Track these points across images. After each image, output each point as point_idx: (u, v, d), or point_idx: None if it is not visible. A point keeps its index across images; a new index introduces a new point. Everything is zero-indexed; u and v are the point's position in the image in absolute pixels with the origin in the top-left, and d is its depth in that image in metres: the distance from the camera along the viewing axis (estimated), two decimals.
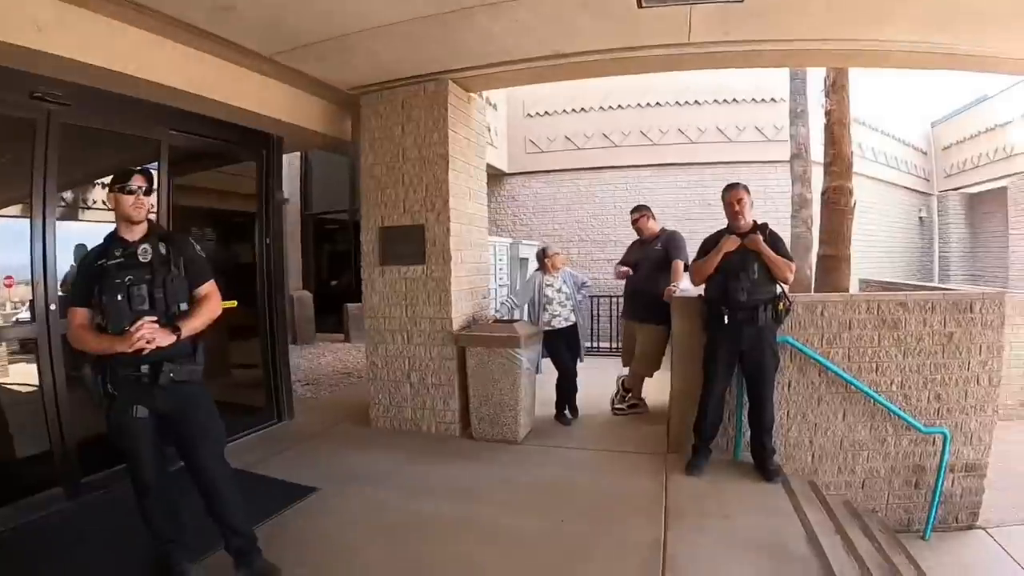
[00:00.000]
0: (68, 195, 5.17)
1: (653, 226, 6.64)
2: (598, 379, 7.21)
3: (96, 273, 3.12)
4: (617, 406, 6.76)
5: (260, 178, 6.69)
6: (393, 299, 6.27)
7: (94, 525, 4.33)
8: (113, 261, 3.12)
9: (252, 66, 5.49)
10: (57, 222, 4.73)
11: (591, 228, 12.77)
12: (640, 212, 6.71)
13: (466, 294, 6.30)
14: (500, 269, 9.22)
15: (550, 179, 13.01)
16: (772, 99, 11.83)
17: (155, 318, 3.11)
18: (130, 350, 3.00)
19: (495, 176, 12.65)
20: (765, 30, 4.84)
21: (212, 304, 3.43)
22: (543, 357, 6.45)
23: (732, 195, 4.84)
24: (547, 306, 6.40)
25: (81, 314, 3.15)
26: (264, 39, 5.01)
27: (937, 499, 4.88)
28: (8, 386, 4.89)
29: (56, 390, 4.63)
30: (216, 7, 4.32)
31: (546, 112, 12.86)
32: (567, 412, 6.53)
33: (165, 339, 3.09)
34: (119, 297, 3.07)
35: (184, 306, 3.31)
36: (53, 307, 4.61)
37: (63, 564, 3.75)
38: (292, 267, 13.83)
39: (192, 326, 3.26)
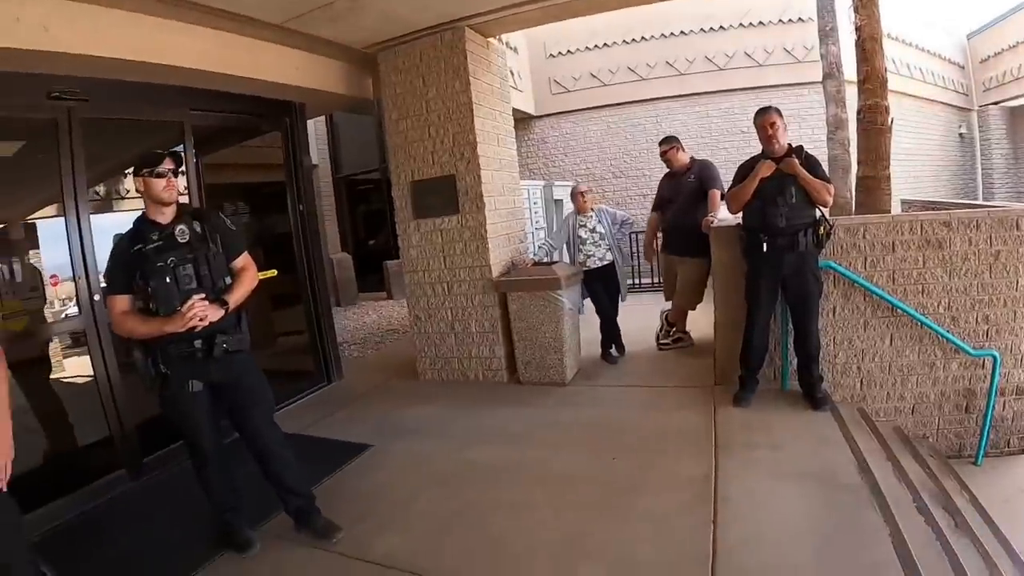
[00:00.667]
0: (100, 188, 5.25)
1: (683, 158, 6.50)
2: (643, 315, 7.21)
3: (135, 259, 3.14)
4: (662, 341, 6.74)
5: (286, 146, 6.70)
6: (430, 251, 6.30)
7: (158, 502, 4.49)
8: (151, 245, 3.14)
9: (266, 36, 5.48)
10: (92, 216, 4.80)
11: (623, 164, 12.59)
12: (669, 144, 6.55)
13: (503, 240, 6.29)
14: (535, 212, 9.18)
15: (578, 118, 12.83)
16: (800, 19, 11.45)
17: (203, 295, 3.17)
18: (183, 329, 3.06)
19: (522, 120, 12.57)
20: None
21: (251, 274, 3.50)
22: (584, 297, 6.43)
23: (764, 119, 4.71)
24: (581, 247, 6.38)
25: (122, 301, 3.19)
26: (274, 7, 4.99)
27: (988, 423, 4.79)
28: (65, 379, 5.02)
29: (110, 377, 4.76)
30: None
31: (568, 51, 12.63)
32: (613, 350, 6.53)
33: (215, 314, 3.16)
34: (167, 280, 3.11)
35: (228, 280, 3.37)
36: (97, 298, 4.72)
37: (132, 543, 3.88)
38: (329, 230, 13.93)
39: (237, 298, 3.33)
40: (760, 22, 11.81)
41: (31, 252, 5.01)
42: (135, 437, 4.88)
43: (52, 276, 5.10)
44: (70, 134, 4.66)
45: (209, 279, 3.25)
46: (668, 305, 6.80)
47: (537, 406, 5.38)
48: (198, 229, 3.29)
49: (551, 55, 12.78)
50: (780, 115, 4.72)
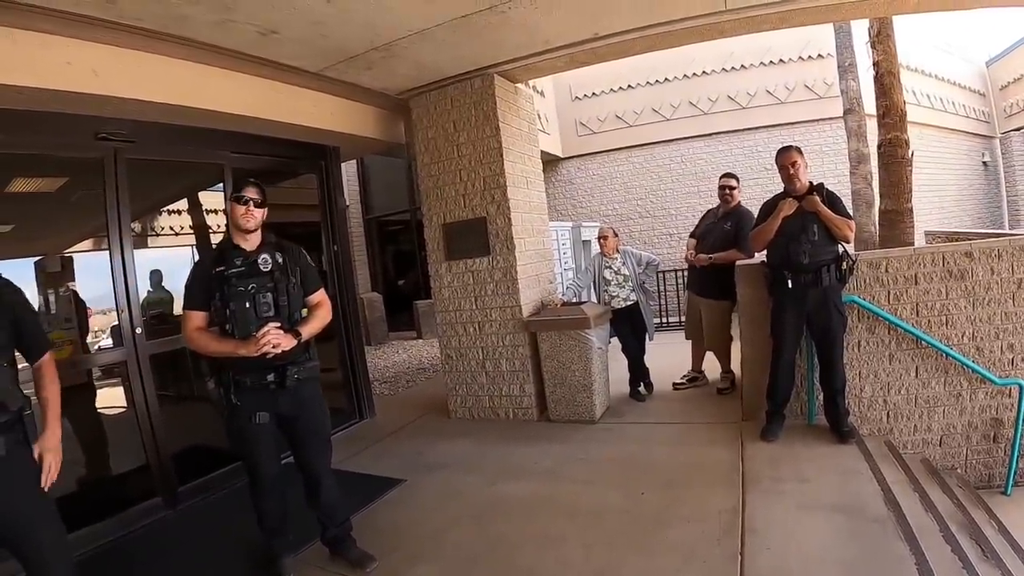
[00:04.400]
0: (136, 225, 5.40)
1: (738, 198, 6.46)
2: (671, 354, 7.25)
3: (215, 280, 3.28)
4: (677, 381, 6.78)
5: (321, 188, 6.91)
6: (462, 292, 6.42)
7: (192, 531, 4.62)
8: (234, 269, 3.28)
9: (303, 83, 5.67)
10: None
11: (649, 204, 12.72)
12: (736, 182, 6.47)
13: (532, 281, 6.40)
14: (564, 253, 9.29)
15: (604, 159, 13.01)
16: (819, 55, 11.57)
17: (279, 324, 3.28)
18: (256, 354, 3.17)
19: (550, 162, 12.76)
20: None
21: (325, 310, 3.63)
22: (611, 337, 6.52)
23: (785, 158, 4.81)
24: (605, 288, 6.47)
25: (198, 317, 3.33)
26: (310, 56, 5.17)
27: (1016, 453, 4.75)
28: (102, 409, 5.19)
29: (148, 407, 4.92)
30: (261, 32, 4.49)
31: (593, 93, 12.85)
32: (641, 388, 6.59)
33: (288, 343, 3.26)
34: (247, 304, 3.24)
35: (303, 312, 3.51)
36: (139, 331, 4.91)
37: (166, 570, 4.01)
38: (359, 271, 14.12)
39: (310, 330, 3.45)
40: (780, 59, 11.97)
41: (68, 284, 5.18)
42: (171, 466, 5.02)
43: (87, 308, 5.32)
44: (116, 173, 4.87)
45: (287, 309, 3.36)
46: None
47: (567, 443, 5.44)
48: (280, 260, 3.42)
49: (577, 97, 13.01)
50: (800, 153, 4.81)
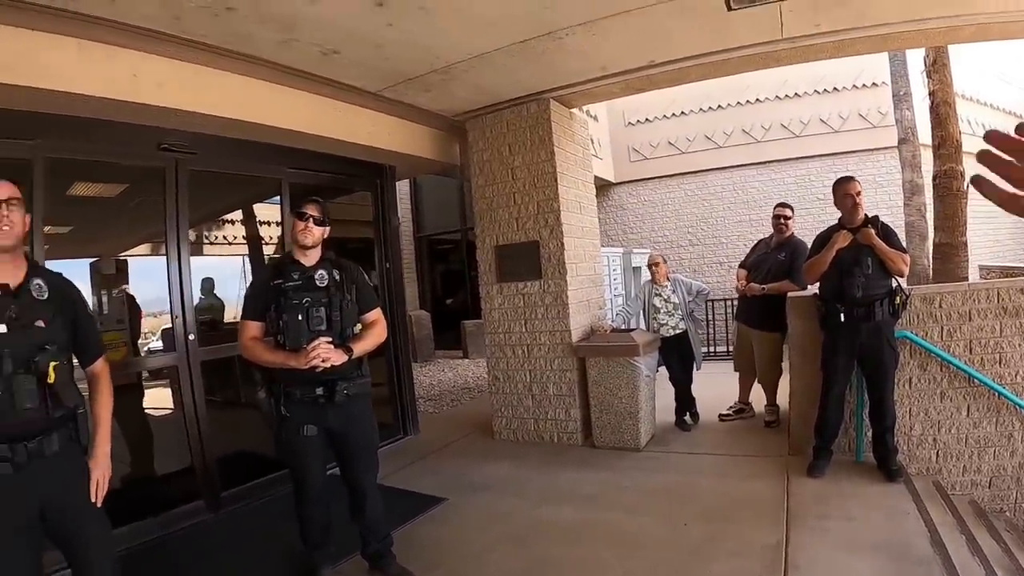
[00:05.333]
0: (191, 233, 5.52)
1: (792, 227, 6.40)
2: (717, 384, 7.18)
3: (272, 292, 3.35)
4: (723, 412, 6.69)
5: (376, 206, 7.03)
6: (512, 315, 6.45)
7: (234, 534, 4.70)
8: (291, 283, 3.35)
9: (361, 102, 5.77)
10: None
11: (700, 232, 12.64)
12: (790, 211, 6.39)
13: (583, 306, 6.40)
14: (615, 279, 9.27)
15: (656, 185, 12.97)
16: (874, 83, 11.36)
17: (330, 339, 3.32)
18: (304, 366, 3.21)
19: (601, 187, 12.69)
20: (857, 17, 4.73)
21: (380, 328, 3.67)
22: (659, 365, 6.49)
23: (850, 187, 4.73)
24: (655, 316, 6.45)
25: (253, 327, 3.41)
26: (370, 77, 5.28)
27: None
28: (150, 409, 5.31)
29: (197, 411, 5.03)
30: (323, 52, 4.59)
31: (646, 119, 12.84)
32: (687, 418, 6.53)
33: (338, 358, 3.29)
34: (299, 317, 3.29)
35: (356, 329, 3.55)
36: (192, 337, 5.02)
37: (208, 570, 4.09)
38: (408, 288, 14.23)
39: (362, 347, 3.49)
40: (835, 88, 11.79)
41: (122, 286, 5.34)
42: (215, 470, 5.11)
43: (140, 311, 5.45)
44: (176, 183, 5.01)
45: (339, 324, 3.40)
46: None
47: (611, 469, 5.41)
48: (336, 277, 3.48)
49: (629, 123, 13.00)
50: (860, 185, 4.77)
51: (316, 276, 3.42)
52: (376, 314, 3.71)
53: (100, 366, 2.83)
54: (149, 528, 4.59)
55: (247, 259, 7.92)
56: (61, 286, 2.64)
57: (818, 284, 4.95)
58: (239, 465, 5.45)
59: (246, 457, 5.67)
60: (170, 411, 5.54)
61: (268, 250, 7.85)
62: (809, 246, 5.41)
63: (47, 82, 3.72)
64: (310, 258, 3.49)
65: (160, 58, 4.24)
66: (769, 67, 5.94)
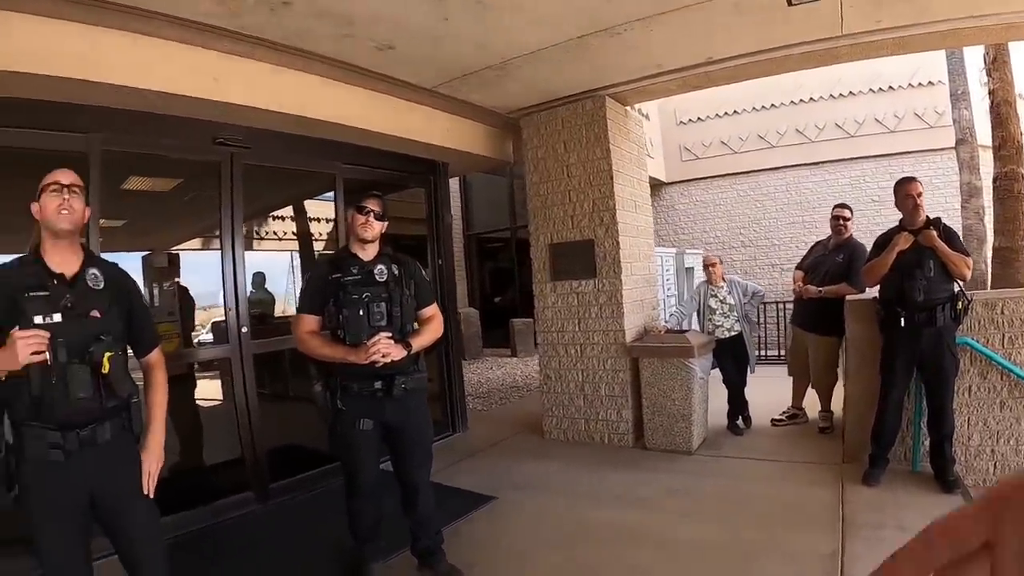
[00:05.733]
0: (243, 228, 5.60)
1: (851, 229, 6.24)
2: (770, 388, 7.07)
3: (331, 286, 3.35)
4: (776, 417, 6.56)
5: (429, 203, 7.05)
6: (566, 313, 6.40)
7: (282, 525, 4.74)
8: (350, 277, 3.34)
9: (416, 98, 5.78)
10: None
11: (752, 232, 12.48)
12: (849, 212, 6.24)
13: (636, 306, 6.34)
14: (667, 280, 9.20)
15: (707, 185, 12.84)
16: (930, 82, 11.08)
17: (390, 334, 3.30)
18: (364, 361, 3.19)
19: (653, 186, 12.51)
20: (918, 13, 4.60)
21: (437, 324, 3.65)
22: (713, 367, 6.40)
23: (911, 187, 4.59)
24: (710, 317, 6.37)
25: (311, 320, 3.41)
26: (425, 73, 5.29)
27: None
28: (200, 400, 5.41)
29: (248, 403, 5.06)
30: (378, 47, 4.60)
31: (699, 118, 12.71)
32: (739, 422, 6.43)
33: (398, 353, 3.27)
34: (360, 312, 3.29)
35: (415, 325, 3.55)
36: (245, 329, 5.06)
37: (254, 563, 4.11)
38: (457, 286, 14.32)
39: (421, 343, 3.47)
40: (890, 87, 11.54)
41: (175, 279, 5.45)
42: (265, 462, 5.15)
43: (194, 304, 5.53)
44: (231, 177, 5.06)
45: (399, 320, 3.39)
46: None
47: (662, 472, 5.34)
48: (395, 272, 3.47)
49: (681, 122, 12.87)
50: (922, 185, 4.65)
51: (375, 271, 3.41)
52: (433, 310, 3.69)
53: (155, 357, 2.83)
54: (198, 517, 4.65)
55: (295, 254, 8.01)
56: (116, 276, 2.64)
57: (878, 287, 4.82)
58: (288, 457, 5.51)
59: (295, 449, 5.73)
60: (219, 402, 5.62)
61: (318, 247, 7.94)
62: (868, 248, 5.30)
63: (103, 75, 3.78)
64: (368, 252, 3.48)
65: (216, 53, 4.29)
66: (828, 64, 5.85)
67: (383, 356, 3.21)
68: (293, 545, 4.35)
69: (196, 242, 7.25)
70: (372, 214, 3.42)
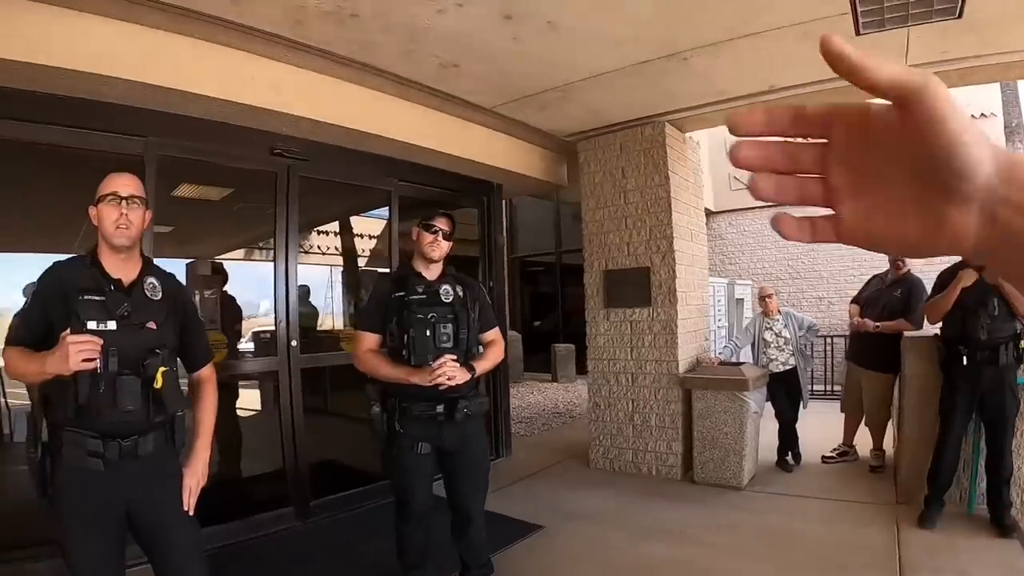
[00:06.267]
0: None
1: (908, 264, 6.10)
2: (821, 424, 6.93)
3: (394, 304, 3.28)
4: (826, 454, 6.41)
5: (482, 224, 7.03)
6: (618, 341, 6.32)
7: (322, 544, 4.69)
8: (415, 296, 3.26)
9: (474, 118, 5.79)
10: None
11: (800, 265, 12.23)
12: None
13: (690, 336, 6.24)
14: (719, 310, 9.09)
15: (756, 215, 12.55)
16: (982, 114, 10.89)
17: (455, 356, 3.21)
18: (428, 384, 3.10)
19: None
20: (983, 45, 4.52)
21: (499, 349, 3.58)
22: (765, 401, 6.27)
23: None
24: (764, 350, 6.25)
25: (372, 339, 3.33)
26: (486, 92, 5.27)
27: None
28: (242, 410, 5.40)
29: (294, 417, 5.02)
30: (442, 65, 4.59)
31: None
32: (789, 458, 6.28)
33: (462, 377, 3.18)
34: (427, 332, 3.20)
35: (480, 348, 3.48)
36: (294, 343, 5.03)
37: None
38: None
39: (484, 367, 3.39)
40: None
41: (220, 289, 5.47)
42: (307, 478, 5.09)
43: (241, 314, 5.53)
44: (287, 189, 5.04)
45: (465, 343, 3.31)
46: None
47: (712, 507, 5.24)
48: (460, 293, 3.39)
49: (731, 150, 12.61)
50: None
51: (441, 291, 3.34)
52: (496, 333, 3.62)
53: (207, 372, 2.78)
54: (235, 530, 4.62)
55: (333, 269, 8.03)
56: (174, 287, 2.59)
57: (940, 325, 4.71)
58: (330, 474, 5.45)
59: (337, 467, 5.70)
60: (261, 413, 5.60)
61: (361, 263, 7.94)
62: (925, 284, 5.22)
63: (164, 79, 3.80)
64: (433, 272, 3.41)
65: (276, 62, 4.31)
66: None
67: (448, 379, 3.12)
68: (332, 566, 4.31)
69: (239, 252, 7.28)
70: (440, 233, 3.35)
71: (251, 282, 6.09)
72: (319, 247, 8.11)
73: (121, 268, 2.41)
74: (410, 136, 5.30)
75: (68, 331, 2.15)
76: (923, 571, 3.89)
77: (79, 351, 2.08)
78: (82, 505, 2.27)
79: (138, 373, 2.30)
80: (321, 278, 7.86)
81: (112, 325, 2.27)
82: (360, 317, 3.57)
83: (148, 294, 2.43)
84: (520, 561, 4.32)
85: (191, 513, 2.57)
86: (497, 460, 6.82)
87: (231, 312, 5.58)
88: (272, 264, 5.10)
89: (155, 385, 2.32)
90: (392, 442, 3.33)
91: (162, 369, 2.34)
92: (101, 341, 2.15)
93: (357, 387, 5.37)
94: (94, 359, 2.12)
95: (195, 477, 2.60)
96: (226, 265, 5.90)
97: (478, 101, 5.45)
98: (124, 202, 2.35)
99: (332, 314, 7.71)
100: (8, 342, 2.35)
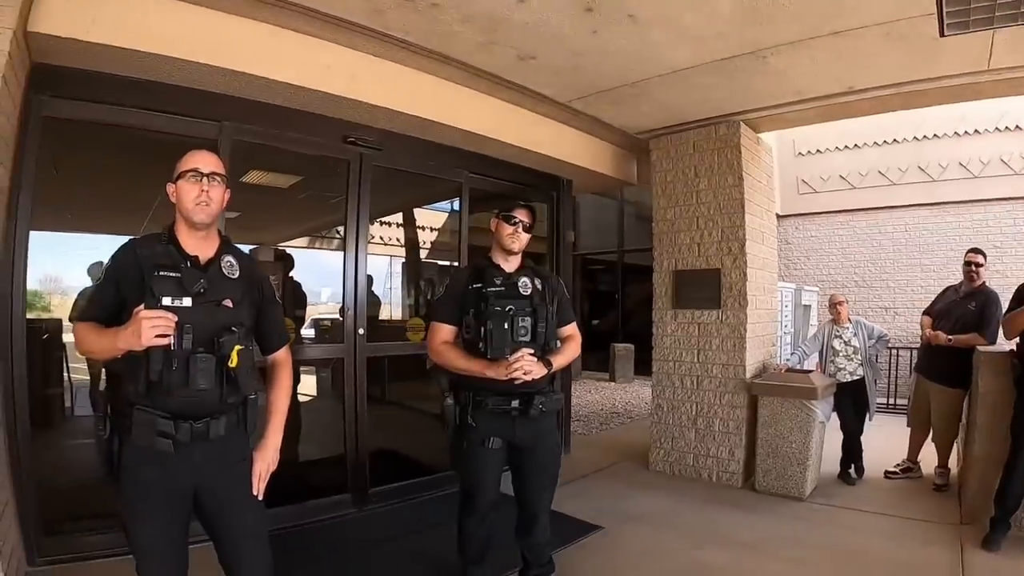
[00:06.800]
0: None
1: (984, 276, 5.88)
2: (886, 437, 6.78)
3: (470, 296, 3.25)
4: (890, 470, 6.23)
5: (551, 219, 7.02)
6: (685, 343, 6.25)
7: (378, 532, 4.71)
8: (493, 288, 3.22)
9: (547, 112, 5.77)
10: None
11: (867, 273, 11.90)
12: (983, 258, 5.87)
13: (758, 341, 6.15)
14: (785, 316, 8.95)
15: (823, 221, 12.28)
16: None
17: (532, 350, 3.17)
18: (504, 378, 3.08)
19: None
20: None
21: (576, 344, 3.55)
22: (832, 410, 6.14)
23: None
24: (833, 359, 6.10)
25: (447, 331, 3.31)
26: (561, 86, 5.23)
27: None
28: (304, 396, 5.49)
29: (357, 405, 5.06)
30: (519, 57, 4.56)
31: (817, 150, 12.19)
32: (851, 471, 6.14)
33: (539, 372, 3.14)
34: (505, 325, 3.16)
35: (558, 343, 3.45)
36: (361, 331, 5.07)
37: (349, 567, 4.11)
38: None
39: (560, 363, 3.35)
40: (1017, 126, 10.88)
41: (282, 274, 5.55)
42: (367, 466, 5.12)
43: (306, 300, 5.57)
44: (360, 178, 5.08)
45: (543, 336, 3.27)
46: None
47: (773, 516, 5.16)
48: (539, 286, 3.36)
49: (800, 153, 12.38)
50: None
51: (520, 283, 3.30)
52: (573, 328, 3.59)
53: (283, 355, 2.75)
54: (293, 514, 4.67)
55: (393, 260, 8.07)
56: (251, 266, 2.56)
57: (1017, 340, 4.55)
58: (389, 463, 5.48)
59: (396, 457, 5.73)
60: (323, 400, 5.64)
61: (423, 254, 7.98)
62: (1002, 297, 5.06)
63: (240, 64, 3.85)
64: (512, 264, 3.37)
65: (353, 51, 4.34)
66: (971, 100, 5.68)
67: (524, 374, 3.08)
68: (391, 555, 4.33)
69: (303, 240, 7.35)
70: (521, 225, 3.32)
71: (314, 270, 6.14)
72: (380, 237, 8.19)
73: (199, 246, 2.38)
74: (483, 128, 5.30)
75: (142, 306, 2.12)
76: None
77: (153, 326, 2.06)
78: (148, 486, 2.26)
79: (213, 351, 2.26)
80: (382, 268, 7.93)
81: (187, 302, 2.24)
82: (436, 308, 3.51)
83: (225, 272, 2.40)
84: (579, 561, 4.30)
85: (259, 498, 2.55)
86: None
87: (295, 298, 5.63)
88: (338, 253, 5.16)
89: (230, 364, 2.29)
90: (463, 435, 3.31)
91: (238, 347, 2.30)
92: (175, 317, 2.12)
93: (417, 377, 5.41)
94: (168, 335, 2.10)
95: (265, 462, 2.57)
96: (291, 252, 5.96)
97: (552, 95, 5.41)
98: (205, 179, 2.34)
99: (390, 304, 7.77)
100: (78, 318, 2.34)
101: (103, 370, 3.41)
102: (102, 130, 4.14)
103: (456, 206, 6.15)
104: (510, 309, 3.20)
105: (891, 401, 9.33)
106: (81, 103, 3.82)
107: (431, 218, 8.04)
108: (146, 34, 3.46)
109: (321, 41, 4.15)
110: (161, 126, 4.11)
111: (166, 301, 2.20)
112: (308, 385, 5.84)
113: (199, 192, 2.32)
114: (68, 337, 4.46)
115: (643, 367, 6.59)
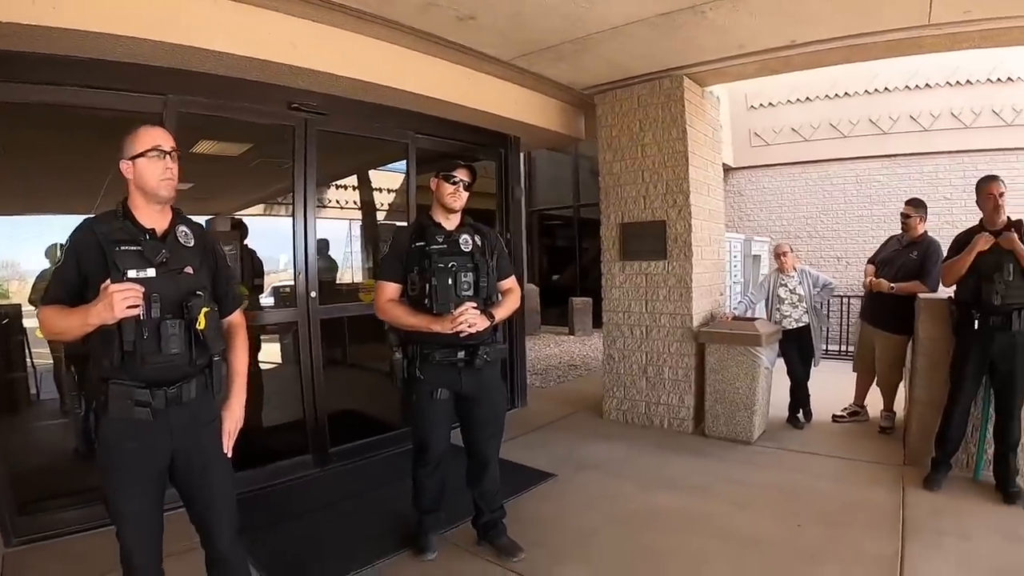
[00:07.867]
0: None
1: (920, 229, 5.97)
2: (833, 383, 6.94)
3: (413, 254, 3.35)
4: (837, 414, 6.42)
5: (499, 177, 7.04)
6: (633, 294, 6.35)
7: (340, 490, 4.82)
8: (435, 246, 3.32)
9: (491, 71, 5.79)
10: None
11: (819, 223, 12.04)
12: (917, 212, 5.97)
13: (705, 291, 6.26)
14: (734, 266, 9.08)
15: (776, 173, 12.38)
16: (1009, 78, 10.53)
17: (475, 304, 3.29)
18: (449, 331, 3.19)
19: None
20: (1010, 6, 4.45)
21: (516, 296, 3.65)
22: (777, 357, 6.29)
23: (992, 187, 4.43)
24: (778, 306, 6.24)
25: (392, 289, 3.40)
26: (504, 45, 5.25)
27: None
28: (263, 362, 5.53)
29: (313, 368, 5.14)
30: (459, 17, 4.56)
31: (770, 103, 12.25)
32: (800, 415, 6.32)
33: (483, 324, 3.29)
34: (448, 281, 3.27)
35: (499, 296, 3.54)
36: (313, 294, 5.13)
37: (312, 524, 4.20)
38: None
39: (501, 314, 3.48)
40: (968, 81, 10.96)
41: (239, 244, 5.57)
42: (326, 427, 5.22)
43: (263, 268, 5.61)
44: (305, 143, 5.09)
45: (485, 290, 3.39)
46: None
47: (722, 460, 5.31)
48: (479, 242, 3.46)
49: (752, 107, 12.44)
50: (1004, 185, 4.48)
51: (461, 240, 3.39)
52: (512, 282, 3.69)
53: (238, 317, 2.81)
54: (256, 477, 4.75)
55: (352, 223, 8.07)
56: (202, 234, 2.62)
57: (954, 288, 4.68)
58: (347, 423, 5.56)
59: (354, 415, 5.81)
60: (281, 365, 5.68)
61: (380, 216, 7.98)
62: (942, 247, 5.17)
63: (183, 38, 3.83)
64: (452, 222, 3.47)
65: (294, 18, 4.32)
66: (911, 54, 5.75)
67: (469, 326, 3.20)
68: (352, 511, 4.42)
69: (258, 208, 7.32)
70: (462, 183, 3.40)
71: (271, 238, 6.14)
72: (337, 201, 8.17)
73: (155, 219, 2.43)
74: (427, 89, 5.31)
75: (108, 281, 2.17)
76: (926, 532, 3.91)
77: (124, 298, 2.11)
78: (128, 457, 2.32)
79: (181, 316, 2.34)
80: (340, 232, 7.93)
81: (151, 272, 2.30)
82: (380, 267, 3.61)
83: (182, 241, 2.46)
84: (532, 507, 4.42)
85: (229, 455, 2.65)
86: (512, 410, 6.91)
87: (251, 266, 5.65)
88: (291, 219, 5.16)
89: (198, 326, 2.36)
90: (412, 388, 3.42)
91: (205, 309, 2.38)
92: (143, 288, 2.18)
93: (375, 339, 5.49)
94: (138, 305, 2.16)
95: (234, 420, 2.68)
96: (245, 221, 5.95)
97: (495, 54, 5.43)
98: (168, 156, 2.40)
99: (351, 267, 7.78)
100: (43, 302, 2.36)
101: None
102: (48, 110, 4.10)
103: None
104: (452, 265, 3.31)
105: (843, 348, 9.54)
106: (24, 85, 3.78)
107: (387, 180, 8.00)
108: (88, 13, 3.44)
109: (261, 9, 4.13)
110: (106, 103, 4.08)
111: (131, 274, 2.25)
112: (270, 352, 5.88)
113: (163, 169, 2.38)
114: (28, 322, 4.48)
115: (601, 320, 6.66)
